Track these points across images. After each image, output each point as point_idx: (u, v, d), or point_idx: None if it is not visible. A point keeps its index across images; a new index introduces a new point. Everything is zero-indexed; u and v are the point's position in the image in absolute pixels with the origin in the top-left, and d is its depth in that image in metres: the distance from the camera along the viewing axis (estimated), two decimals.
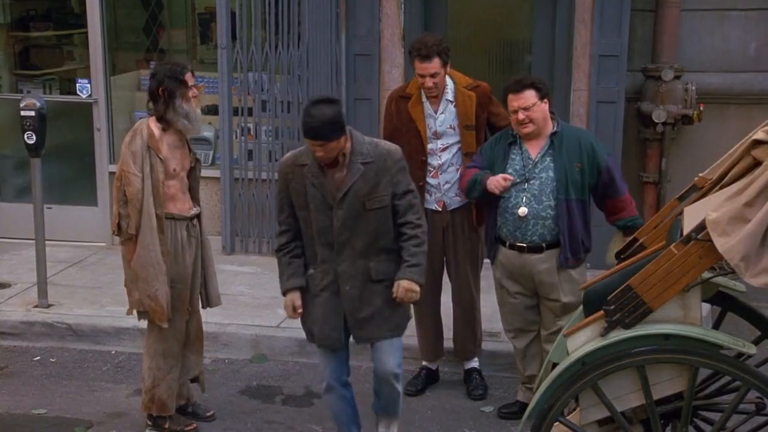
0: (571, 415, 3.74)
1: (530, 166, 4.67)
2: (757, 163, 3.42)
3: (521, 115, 4.60)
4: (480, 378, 5.43)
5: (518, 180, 4.68)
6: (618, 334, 3.44)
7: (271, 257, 7.43)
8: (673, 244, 3.35)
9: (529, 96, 4.60)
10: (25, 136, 6.16)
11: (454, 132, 5.16)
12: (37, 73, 8.25)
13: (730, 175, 3.54)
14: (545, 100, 4.66)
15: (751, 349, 3.45)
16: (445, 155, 5.16)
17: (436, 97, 5.13)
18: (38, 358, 5.97)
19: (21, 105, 6.20)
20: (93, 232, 7.78)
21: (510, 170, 4.70)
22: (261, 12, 7.21)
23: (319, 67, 7.18)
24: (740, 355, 3.53)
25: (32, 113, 6.13)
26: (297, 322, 4.46)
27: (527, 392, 4.96)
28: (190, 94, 4.70)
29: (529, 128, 4.63)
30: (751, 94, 7.35)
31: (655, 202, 7.37)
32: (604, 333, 3.46)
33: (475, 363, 5.49)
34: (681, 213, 3.73)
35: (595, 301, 3.67)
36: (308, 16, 7.12)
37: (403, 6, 7.08)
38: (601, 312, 3.48)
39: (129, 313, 4.86)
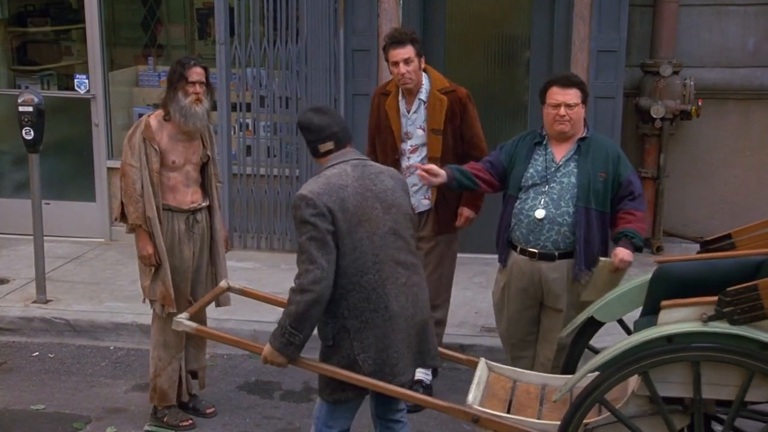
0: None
1: (553, 168, 4.46)
2: None
3: (563, 111, 4.40)
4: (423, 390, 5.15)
5: (538, 181, 4.49)
6: (720, 327, 3.39)
7: (269, 252, 7.48)
8: None
9: (575, 95, 4.42)
10: (23, 131, 6.16)
11: (423, 134, 5.08)
12: (35, 68, 8.24)
13: None
14: (584, 105, 4.50)
15: None
16: (414, 157, 5.10)
17: (411, 91, 5.03)
18: (37, 353, 5.97)
19: (19, 100, 6.19)
20: (91, 228, 7.78)
21: (531, 170, 4.50)
22: (259, 7, 7.19)
23: (318, 62, 7.16)
24: None
25: (30, 109, 6.13)
26: None
27: None
28: (190, 89, 4.67)
29: (567, 126, 4.43)
30: (750, 90, 7.35)
31: (653, 198, 7.36)
32: (707, 320, 3.41)
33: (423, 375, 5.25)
34: None
35: (668, 280, 3.64)
36: (306, 11, 7.11)
37: (401, 1, 7.07)
38: (714, 297, 3.42)
39: (144, 301, 4.97)
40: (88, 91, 7.66)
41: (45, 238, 6.43)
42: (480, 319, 5.58)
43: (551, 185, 4.45)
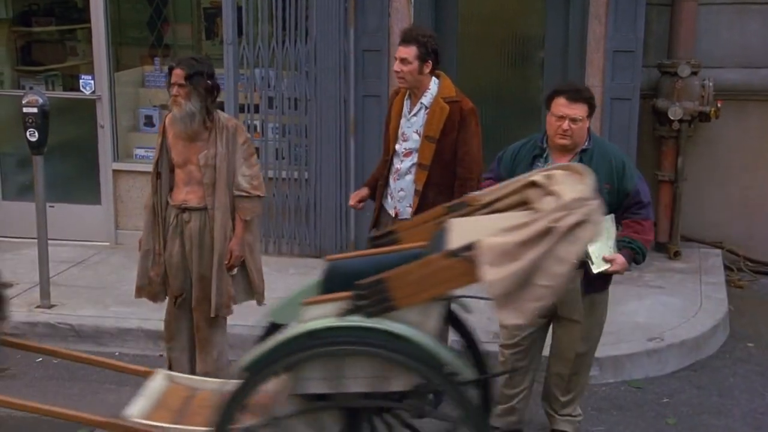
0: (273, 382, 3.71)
1: None
2: (525, 202, 3.57)
3: (566, 125, 4.30)
4: None
5: None
6: (356, 320, 3.46)
7: (276, 257, 7.38)
8: (439, 254, 3.38)
9: (581, 110, 4.31)
10: (28, 133, 6.12)
11: (418, 138, 4.95)
12: (40, 69, 8.20)
13: (501, 203, 3.71)
14: (590, 118, 4.40)
15: (468, 374, 3.50)
16: (406, 161, 4.98)
17: (416, 93, 4.92)
18: (41, 359, 5.89)
19: (23, 102, 6.15)
20: (96, 231, 7.74)
21: None
22: (268, 7, 7.15)
23: (327, 63, 7.10)
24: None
25: (35, 110, 6.10)
26: None
27: (503, 417, 4.67)
28: (171, 91, 4.82)
29: (568, 141, 4.34)
30: None
31: (671, 202, 7.30)
32: (344, 314, 3.46)
33: None
34: (446, 222, 3.78)
35: (336, 278, 3.70)
36: (316, 10, 7.06)
37: (413, 1, 7.00)
38: (349, 293, 3.49)
39: None
40: (93, 91, 7.62)
41: (49, 241, 6.38)
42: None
43: None
